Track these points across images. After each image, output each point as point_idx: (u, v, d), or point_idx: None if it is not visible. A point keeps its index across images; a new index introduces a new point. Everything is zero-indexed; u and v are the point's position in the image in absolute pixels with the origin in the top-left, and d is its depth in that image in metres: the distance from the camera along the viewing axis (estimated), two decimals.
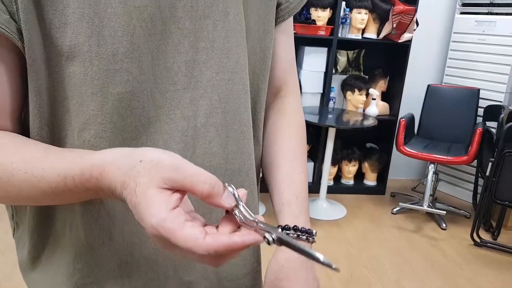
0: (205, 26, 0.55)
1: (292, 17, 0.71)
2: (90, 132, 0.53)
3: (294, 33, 3.27)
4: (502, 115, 2.88)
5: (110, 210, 0.57)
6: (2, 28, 0.47)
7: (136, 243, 0.59)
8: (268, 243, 0.39)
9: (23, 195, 0.50)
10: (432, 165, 3.12)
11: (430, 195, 3.17)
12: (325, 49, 3.31)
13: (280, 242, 0.39)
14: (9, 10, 0.47)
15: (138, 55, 0.52)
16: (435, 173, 3.18)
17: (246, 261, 0.66)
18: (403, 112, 3.41)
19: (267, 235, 0.39)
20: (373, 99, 3.40)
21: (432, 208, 3.14)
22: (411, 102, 3.65)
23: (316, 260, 0.37)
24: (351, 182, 3.65)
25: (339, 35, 3.26)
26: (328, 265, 0.37)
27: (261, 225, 0.40)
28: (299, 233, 0.62)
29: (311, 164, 3.55)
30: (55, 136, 0.55)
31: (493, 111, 3.16)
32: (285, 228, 0.62)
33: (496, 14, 3.32)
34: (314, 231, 0.63)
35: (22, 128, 0.57)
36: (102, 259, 0.59)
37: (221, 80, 0.58)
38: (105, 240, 0.58)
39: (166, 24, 0.53)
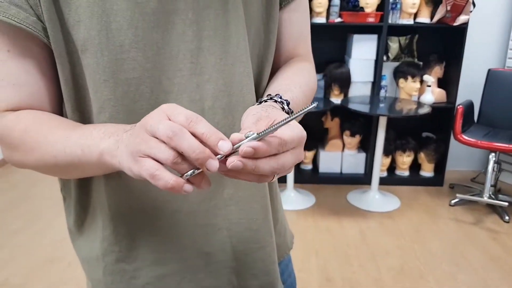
0: (207, 16, 0.60)
1: None
2: (105, 115, 0.59)
3: (342, 21, 3.21)
4: None
5: (129, 183, 0.63)
6: (30, 28, 0.56)
7: (154, 215, 0.64)
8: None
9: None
10: (493, 154, 2.94)
11: (492, 186, 2.99)
12: (375, 36, 3.21)
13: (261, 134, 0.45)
14: (35, 13, 0.56)
15: (143, 45, 0.58)
16: (497, 162, 3.00)
17: (259, 235, 0.69)
18: (461, 99, 3.24)
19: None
20: (428, 86, 3.25)
21: (494, 200, 2.96)
22: (470, 88, 3.46)
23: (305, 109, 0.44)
24: (406, 173, 3.52)
25: (389, 21, 3.15)
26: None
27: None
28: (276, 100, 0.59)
29: (363, 154, 3.48)
30: (85, 120, 0.63)
31: None
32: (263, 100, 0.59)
33: None
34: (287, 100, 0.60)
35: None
36: (123, 228, 0.65)
37: (225, 65, 0.62)
38: (125, 211, 0.64)
39: (170, 16, 0.58)
